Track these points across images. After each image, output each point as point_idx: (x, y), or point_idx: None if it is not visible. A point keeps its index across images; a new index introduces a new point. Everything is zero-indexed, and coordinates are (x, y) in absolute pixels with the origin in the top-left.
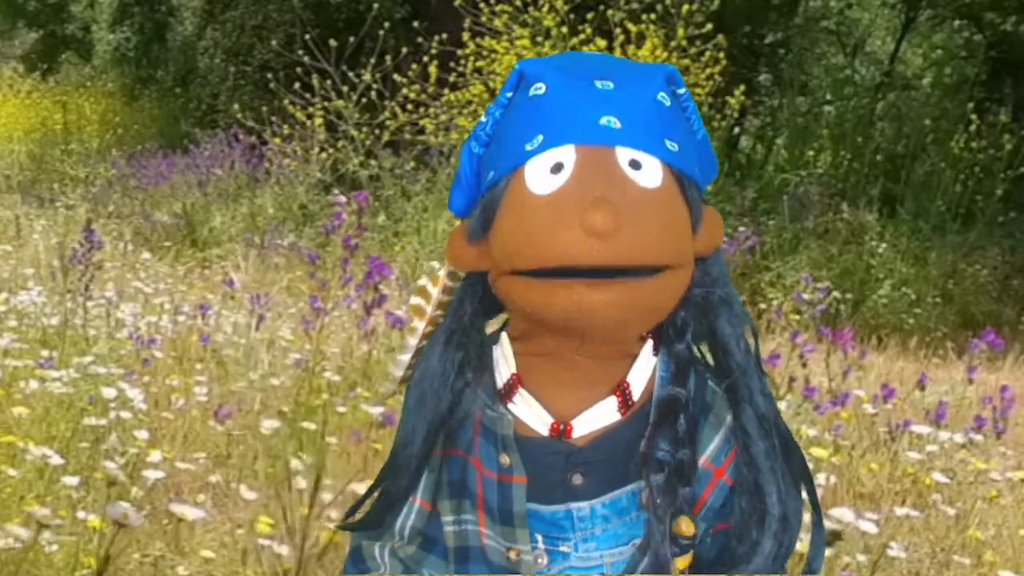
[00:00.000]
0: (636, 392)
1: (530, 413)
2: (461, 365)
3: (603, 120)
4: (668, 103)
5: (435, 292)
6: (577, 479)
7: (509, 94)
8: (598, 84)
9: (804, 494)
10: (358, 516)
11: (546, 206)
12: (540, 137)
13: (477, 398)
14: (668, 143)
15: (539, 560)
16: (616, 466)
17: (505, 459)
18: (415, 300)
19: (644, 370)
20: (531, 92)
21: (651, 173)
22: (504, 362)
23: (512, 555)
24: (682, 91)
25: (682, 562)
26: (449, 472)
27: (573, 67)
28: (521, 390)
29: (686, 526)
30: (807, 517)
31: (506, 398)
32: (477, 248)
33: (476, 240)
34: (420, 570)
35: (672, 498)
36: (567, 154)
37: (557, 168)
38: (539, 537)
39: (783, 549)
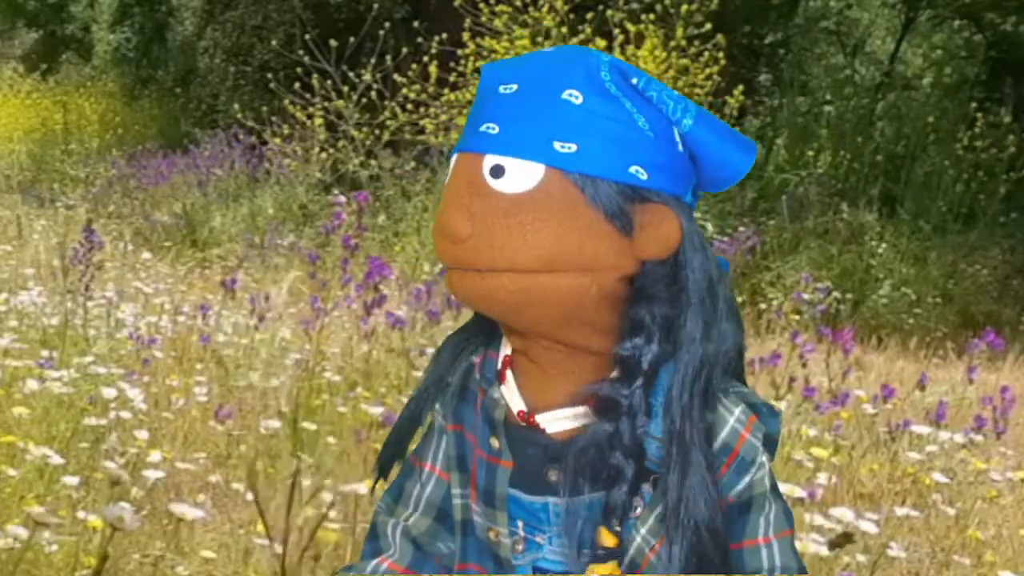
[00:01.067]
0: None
1: (510, 396)
2: (475, 332)
3: (483, 127)
4: (579, 100)
5: None
6: (553, 475)
7: None
8: (501, 89)
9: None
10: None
11: (438, 210)
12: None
13: (482, 375)
14: (558, 144)
15: (516, 545)
16: (592, 468)
17: (495, 442)
18: None
19: None
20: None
21: (516, 179)
22: (504, 345)
23: (492, 535)
24: (636, 80)
25: (600, 568)
26: (458, 448)
27: (500, 70)
28: (508, 372)
29: (605, 538)
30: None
31: (501, 378)
32: None
33: None
34: (435, 544)
35: (609, 504)
36: (454, 161)
37: (447, 174)
38: (520, 523)
39: (679, 547)
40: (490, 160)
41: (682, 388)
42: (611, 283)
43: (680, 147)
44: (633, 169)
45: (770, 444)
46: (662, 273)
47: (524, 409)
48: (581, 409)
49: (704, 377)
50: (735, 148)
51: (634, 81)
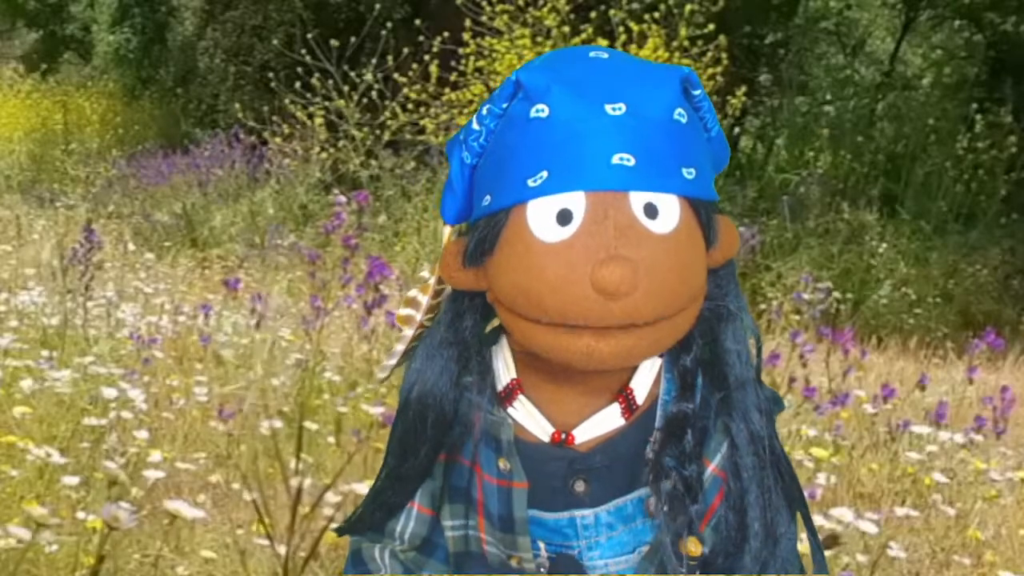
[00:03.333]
0: (640, 397)
1: (531, 420)
2: (460, 375)
3: (615, 159)
4: (685, 119)
5: (425, 300)
6: (580, 486)
7: (504, 105)
8: (609, 109)
9: (799, 516)
10: (357, 522)
11: (554, 259)
12: (544, 174)
13: (477, 403)
14: (685, 171)
15: (541, 568)
16: (620, 472)
17: (504, 464)
18: (404, 311)
19: (647, 374)
20: (532, 113)
21: (668, 216)
22: (504, 365)
23: (513, 562)
24: (698, 92)
25: None
26: (452, 478)
27: (579, 83)
28: (521, 396)
29: (693, 546)
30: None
31: (506, 402)
32: (474, 273)
33: (472, 266)
34: (421, 572)
35: (678, 515)
36: (576, 202)
37: (565, 216)
38: (541, 544)
39: (764, 568)
40: (639, 198)
41: (747, 380)
42: None
43: None
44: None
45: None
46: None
47: (550, 430)
48: (612, 409)
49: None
50: (727, 153)
51: (696, 93)
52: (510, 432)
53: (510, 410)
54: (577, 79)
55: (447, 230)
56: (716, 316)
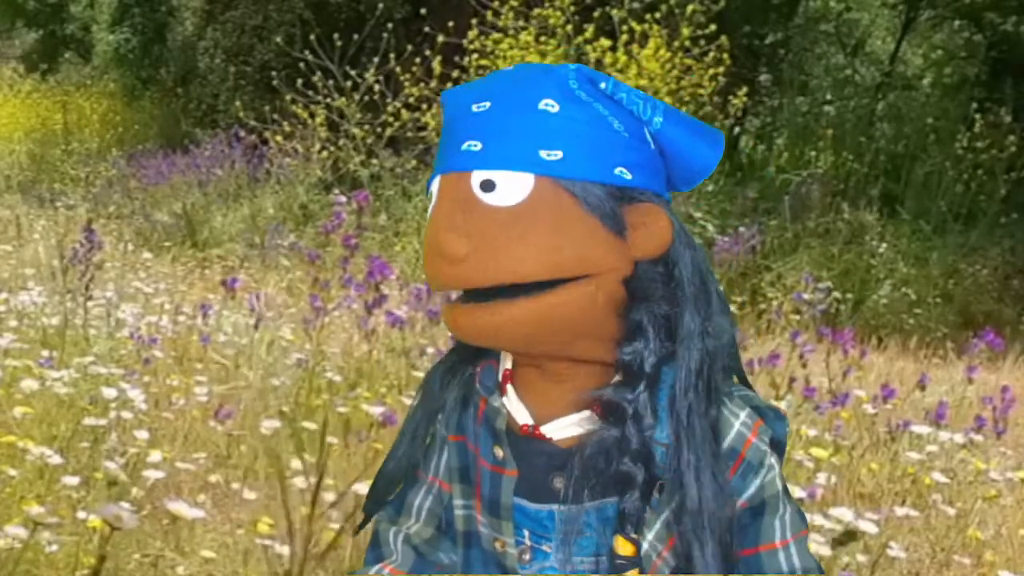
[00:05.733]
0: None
1: (515, 409)
2: (474, 360)
3: (464, 145)
4: (555, 108)
5: None
6: (558, 482)
7: None
8: (474, 108)
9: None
10: (371, 494)
11: (426, 232)
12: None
13: (482, 384)
14: (544, 153)
15: (523, 555)
16: (594, 474)
17: (499, 452)
18: None
19: None
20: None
21: (508, 191)
22: (504, 356)
23: (498, 545)
24: (604, 85)
25: None
26: (457, 458)
27: (466, 93)
28: (509, 386)
29: (621, 546)
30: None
31: (502, 390)
32: None
33: None
34: (436, 553)
35: (632, 516)
36: (436, 185)
37: (432, 196)
38: (526, 532)
39: (709, 546)
40: (479, 176)
41: (686, 385)
42: (613, 287)
43: (652, 145)
44: (618, 171)
45: (778, 447)
46: (654, 272)
47: (529, 422)
48: (586, 414)
49: (706, 373)
50: (704, 142)
51: (602, 85)
52: (503, 421)
53: (505, 399)
54: (467, 90)
55: None
56: (672, 304)
